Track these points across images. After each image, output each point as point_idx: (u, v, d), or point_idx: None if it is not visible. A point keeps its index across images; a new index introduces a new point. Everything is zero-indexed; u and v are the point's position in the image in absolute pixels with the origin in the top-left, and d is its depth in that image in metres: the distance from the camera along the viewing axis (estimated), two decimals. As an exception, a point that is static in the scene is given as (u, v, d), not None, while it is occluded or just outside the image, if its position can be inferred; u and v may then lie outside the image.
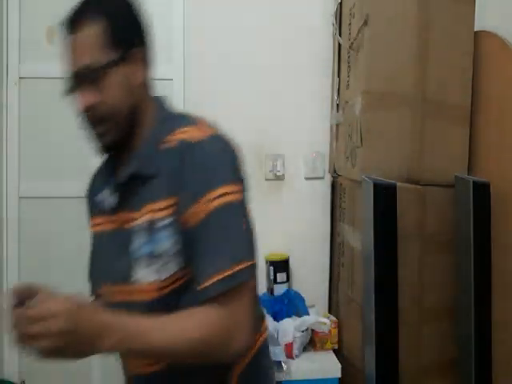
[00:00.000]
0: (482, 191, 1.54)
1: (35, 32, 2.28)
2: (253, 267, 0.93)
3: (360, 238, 1.69)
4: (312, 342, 1.96)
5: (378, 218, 1.50)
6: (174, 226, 0.94)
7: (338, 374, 1.84)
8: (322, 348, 1.94)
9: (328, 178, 2.19)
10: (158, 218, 0.95)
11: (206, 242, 0.91)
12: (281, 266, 2.10)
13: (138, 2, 1.05)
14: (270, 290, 2.09)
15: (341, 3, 2.02)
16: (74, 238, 2.31)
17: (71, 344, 0.80)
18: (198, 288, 0.90)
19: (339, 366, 1.86)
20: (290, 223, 2.19)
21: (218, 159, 0.96)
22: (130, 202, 0.99)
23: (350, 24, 1.86)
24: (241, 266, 0.90)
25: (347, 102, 1.87)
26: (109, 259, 1.04)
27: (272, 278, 2.08)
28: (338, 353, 1.95)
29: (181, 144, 0.96)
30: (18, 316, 0.79)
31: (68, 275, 2.31)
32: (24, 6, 2.27)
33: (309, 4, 2.19)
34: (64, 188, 2.30)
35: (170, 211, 0.94)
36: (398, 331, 1.54)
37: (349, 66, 1.87)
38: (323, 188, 2.20)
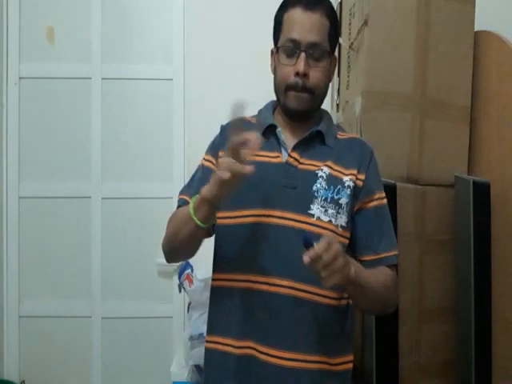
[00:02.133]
0: (482, 191, 1.54)
1: (35, 32, 2.28)
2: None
3: (360, 238, 1.69)
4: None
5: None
6: (353, 192, 1.19)
7: (338, 374, 1.84)
8: (322, 348, 1.94)
9: (328, 178, 2.19)
10: (342, 177, 1.19)
11: (384, 224, 1.23)
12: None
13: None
14: (270, 290, 2.09)
15: (341, 3, 2.02)
16: (73, 237, 2.31)
17: (346, 264, 0.99)
18: (380, 255, 1.20)
19: (339, 366, 1.85)
20: (290, 223, 2.19)
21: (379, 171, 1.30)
22: (305, 151, 1.21)
23: (350, 24, 1.86)
24: (397, 252, 1.24)
25: (347, 101, 1.87)
26: (276, 188, 1.18)
27: (272, 277, 2.08)
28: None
29: (359, 141, 1.30)
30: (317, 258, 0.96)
31: (68, 275, 2.32)
32: (24, 6, 2.27)
33: (309, 4, 2.19)
34: (64, 188, 2.30)
35: (352, 178, 1.19)
36: (398, 331, 1.54)
37: (349, 66, 1.87)
38: (323, 188, 2.20)
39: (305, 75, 1.17)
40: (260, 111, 1.33)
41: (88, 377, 2.31)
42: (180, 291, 2.13)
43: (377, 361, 1.51)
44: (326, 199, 1.17)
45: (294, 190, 1.17)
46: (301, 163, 1.20)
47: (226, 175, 1.01)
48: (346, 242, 1.20)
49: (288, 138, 1.24)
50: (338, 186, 1.18)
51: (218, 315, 1.22)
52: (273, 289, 1.15)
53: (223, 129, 1.33)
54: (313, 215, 1.16)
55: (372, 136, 1.66)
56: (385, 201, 1.25)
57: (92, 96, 2.30)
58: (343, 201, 1.18)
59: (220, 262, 1.23)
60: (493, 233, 1.54)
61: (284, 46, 1.20)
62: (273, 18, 2.19)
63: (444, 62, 1.67)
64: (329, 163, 1.20)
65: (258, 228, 1.16)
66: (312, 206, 1.16)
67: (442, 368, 1.69)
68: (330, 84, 2.14)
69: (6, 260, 2.28)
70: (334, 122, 2.06)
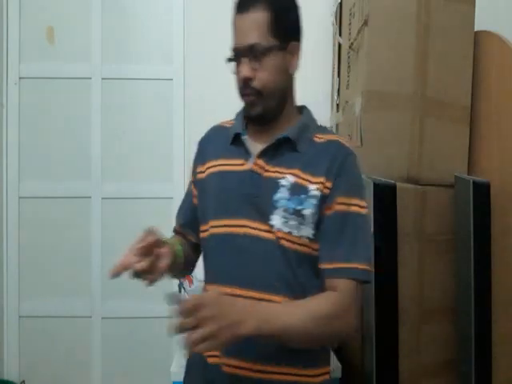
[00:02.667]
0: (482, 191, 1.54)
1: (35, 32, 2.28)
2: (372, 274, 1.12)
3: (360, 238, 1.69)
4: (312, 341, 1.96)
5: (378, 217, 1.50)
6: (319, 202, 1.10)
7: (338, 374, 1.84)
8: (322, 348, 1.94)
9: (328, 178, 2.19)
10: (307, 186, 1.11)
11: (348, 232, 1.10)
12: (281, 265, 2.10)
13: (298, 2, 1.20)
14: (270, 290, 2.09)
15: (341, 3, 2.02)
16: (73, 237, 2.31)
17: (221, 328, 0.92)
18: (332, 265, 1.09)
19: (339, 366, 1.85)
20: (290, 223, 2.19)
21: (361, 177, 1.18)
22: (272, 158, 1.15)
23: (350, 24, 1.86)
24: (369, 268, 1.10)
25: (347, 101, 1.87)
26: (239, 197, 1.15)
27: (272, 277, 2.08)
28: (338, 353, 1.95)
29: (334, 144, 1.17)
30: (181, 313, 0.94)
31: (68, 275, 2.32)
32: (24, 5, 2.27)
33: (309, 4, 2.19)
34: (64, 188, 2.30)
35: (320, 187, 1.11)
36: (398, 331, 1.54)
37: (349, 66, 1.87)
38: (323, 188, 2.20)
39: (249, 79, 1.13)
40: (236, 115, 1.29)
41: (88, 377, 2.31)
42: (180, 291, 2.13)
43: (377, 361, 1.51)
44: (287, 210, 1.11)
45: (257, 199, 1.13)
46: (266, 171, 1.15)
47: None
48: (314, 253, 1.12)
49: (256, 145, 1.19)
50: (302, 196, 1.11)
51: None
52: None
53: (198, 144, 1.35)
54: (273, 225, 1.11)
55: (372, 136, 1.66)
56: (352, 208, 1.11)
57: (92, 96, 2.29)
58: (307, 212, 1.10)
59: (204, 273, 1.25)
60: (493, 233, 1.54)
61: (230, 57, 1.18)
62: (273, 18, 2.19)
63: (444, 62, 1.67)
64: (296, 171, 1.13)
65: (225, 238, 1.15)
66: (272, 217, 1.11)
67: (442, 368, 1.69)
68: (330, 84, 2.16)
69: (5, 260, 2.28)
70: (335, 122, 2.07)
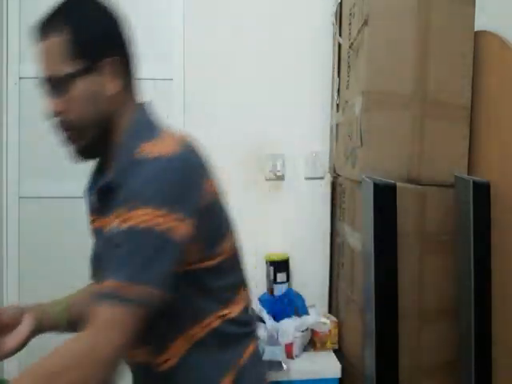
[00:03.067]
0: (482, 191, 1.53)
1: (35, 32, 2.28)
2: (149, 297, 0.86)
3: (360, 238, 1.69)
4: (312, 341, 1.96)
5: (377, 217, 1.50)
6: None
7: (338, 374, 1.84)
8: (322, 348, 1.94)
9: (328, 178, 2.19)
10: (109, 231, 0.95)
11: (118, 254, 0.88)
12: (281, 265, 2.10)
13: (114, 11, 1.07)
14: (270, 290, 2.09)
15: (341, 3, 2.02)
16: (73, 237, 2.31)
17: None
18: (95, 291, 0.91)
19: (339, 365, 1.86)
20: (290, 223, 2.19)
21: (156, 182, 0.90)
22: (102, 208, 1.01)
23: (350, 24, 1.86)
24: (135, 289, 0.84)
25: (347, 101, 1.87)
26: (94, 259, 1.07)
27: (272, 278, 2.08)
28: (338, 353, 1.95)
29: (139, 158, 0.94)
30: None
31: (68, 275, 2.32)
32: (24, 6, 2.27)
33: (309, 4, 2.19)
34: (64, 188, 2.30)
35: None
36: (397, 331, 1.54)
37: (349, 66, 1.87)
38: (323, 188, 2.20)
39: (60, 113, 1.00)
40: None
41: (88, 377, 2.31)
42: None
43: (377, 361, 1.51)
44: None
45: (97, 259, 1.04)
46: (103, 225, 1.00)
47: None
48: None
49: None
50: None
51: None
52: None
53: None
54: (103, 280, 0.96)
55: (372, 136, 1.66)
56: (130, 223, 0.88)
57: (92, 96, 2.29)
58: None
59: None
60: (493, 233, 1.54)
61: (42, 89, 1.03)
62: (272, 18, 2.20)
63: (444, 62, 1.67)
64: (116, 214, 0.93)
65: None
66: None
67: (442, 368, 1.69)
68: (330, 84, 2.16)
69: (5, 260, 2.28)
70: (335, 122, 2.07)
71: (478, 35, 1.71)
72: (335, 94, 2.05)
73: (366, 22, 1.65)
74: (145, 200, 0.88)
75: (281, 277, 2.08)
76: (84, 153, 1.01)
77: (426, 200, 1.66)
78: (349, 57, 1.86)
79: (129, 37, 1.08)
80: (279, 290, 2.07)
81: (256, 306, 2.05)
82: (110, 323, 0.84)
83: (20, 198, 2.29)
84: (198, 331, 0.99)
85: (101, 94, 0.98)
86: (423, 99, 1.67)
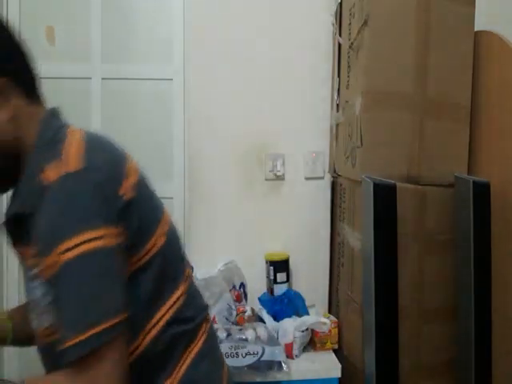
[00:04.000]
0: (482, 191, 1.53)
1: (35, 32, 2.28)
2: (114, 326, 0.82)
3: (360, 238, 1.69)
4: (312, 341, 1.96)
5: (377, 218, 1.50)
6: (41, 277, 0.86)
7: (338, 374, 1.84)
8: (322, 348, 1.94)
9: (328, 178, 2.19)
10: (29, 265, 0.89)
11: (61, 301, 0.82)
12: (281, 266, 2.10)
13: None
14: (270, 290, 2.09)
15: (341, 3, 2.02)
16: (73, 237, 2.31)
17: None
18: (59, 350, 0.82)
19: (339, 365, 1.85)
20: (290, 223, 2.19)
21: (71, 204, 0.83)
22: (20, 243, 0.93)
23: (350, 24, 1.86)
24: (96, 330, 0.80)
25: (347, 101, 1.87)
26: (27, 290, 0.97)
27: (272, 278, 2.08)
28: (337, 353, 1.95)
29: (43, 184, 0.85)
30: None
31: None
32: (24, 6, 2.27)
33: (309, 4, 2.19)
34: (64, 188, 2.30)
35: (36, 259, 0.85)
36: (398, 331, 1.54)
37: (349, 66, 1.87)
38: (323, 188, 2.20)
39: None
40: None
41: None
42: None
43: (377, 361, 1.51)
44: (30, 301, 0.94)
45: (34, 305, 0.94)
46: (27, 260, 0.92)
47: None
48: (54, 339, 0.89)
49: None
50: (29, 282, 0.91)
51: None
52: None
53: None
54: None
55: (372, 136, 1.66)
56: (57, 266, 0.81)
57: (92, 96, 2.29)
58: (36, 297, 0.90)
59: None
60: (493, 233, 1.54)
61: None
62: (273, 17, 2.20)
63: (444, 62, 1.67)
64: (30, 249, 0.87)
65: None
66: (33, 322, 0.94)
67: (442, 368, 1.69)
68: (330, 84, 2.16)
69: (6, 260, 2.28)
70: (335, 122, 2.07)
71: (478, 35, 1.71)
72: (335, 94, 2.05)
73: (365, 22, 1.65)
74: (62, 234, 0.81)
75: (281, 277, 2.08)
76: None
77: (426, 200, 1.66)
78: (349, 57, 1.86)
79: (17, 43, 0.96)
80: (279, 290, 2.07)
81: (256, 306, 2.06)
82: (96, 377, 0.82)
83: (20, 197, 2.29)
84: (139, 343, 0.92)
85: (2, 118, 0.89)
86: (423, 99, 1.67)
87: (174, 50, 2.30)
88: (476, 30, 1.71)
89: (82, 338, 0.79)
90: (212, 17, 2.22)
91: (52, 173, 0.84)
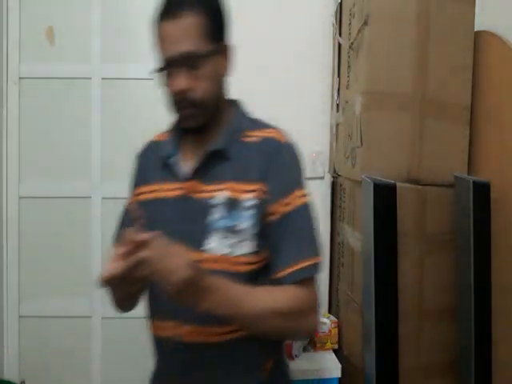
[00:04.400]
0: (482, 191, 1.54)
1: (35, 32, 2.28)
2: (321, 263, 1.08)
3: (360, 238, 1.69)
4: (312, 341, 1.96)
5: (377, 218, 1.50)
6: (258, 210, 1.04)
7: (338, 374, 1.84)
8: (322, 348, 1.95)
9: (328, 178, 2.19)
10: (242, 198, 1.05)
11: (293, 232, 1.05)
12: (281, 265, 2.10)
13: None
14: (270, 290, 2.09)
15: (341, 3, 2.02)
16: (73, 237, 2.31)
17: (188, 291, 0.91)
18: (284, 272, 1.03)
19: (339, 365, 1.86)
20: (290, 223, 2.19)
21: (299, 164, 1.11)
22: (205, 174, 1.08)
23: (350, 24, 1.86)
24: (318, 260, 1.06)
25: (347, 101, 1.87)
26: (172, 225, 1.07)
27: (272, 277, 2.08)
28: (337, 353, 1.95)
29: (266, 141, 1.10)
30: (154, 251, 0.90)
31: (68, 275, 2.32)
32: (24, 5, 2.27)
33: (309, 4, 2.19)
34: (64, 188, 2.30)
35: (255, 195, 1.04)
36: (397, 331, 1.54)
37: (349, 66, 1.87)
38: (323, 188, 2.20)
39: (184, 91, 1.05)
40: (170, 126, 1.23)
41: (88, 377, 2.31)
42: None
43: (377, 361, 1.51)
44: (222, 230, 1.05)
45: (190, 225, 1.07)
46: (200, 191, 1.08)
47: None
48: (256, 267, 1.07)
49: (187, 163, 1.12)
50: (237, 211, 1.05)
51: None
52: (163, 332, 1.11)
53: (135, 159, 1.28)
54: (206, 251, 1.05)
55: (372, 136, 1.66)
56: (296, 203, 1.06)
57: (92, 96, 2.29)
58: (243, 226, 1.04)
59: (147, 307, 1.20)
60: (493, 233, 1.54)
61: (160, 68, 1.08)
62: (272, 18, 2.20)
63: (444, 62, 1.67)
64: (229, 184, 1.06)
65: None
66: (206, 241, 1.05)
67: (442, 368, 1.69)
68: (330, 84, 2.16)
69: (5, 260, 2.28)
70: (335, 122, 2.07)
71: (478, 35, 1.71)
72: (335, 94, 2.05)
73: (365, 22, 1.65)
74: (296, 183, 1.08)
75: (281, 277, 2.08)
76: (197, 129, 1.10)
77: (426, 200, 1.66)
78: (349, 57, 1.86)
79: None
80: (279, 289, 2.07)
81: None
82: (315, 292, 1.07)
83: (20, 198, 2.29)
84: None
85: (221, 75, 1.11)
86: (423, 99, 1.67)
87: (173, 50, 2.30)
88: (476, 30, 1.71)
89: (312, 262, 1.05)
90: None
91: (278, 136, 1.12)
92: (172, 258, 0.91)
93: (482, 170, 1.68)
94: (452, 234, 1.66)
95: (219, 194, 1.06)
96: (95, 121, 2.30)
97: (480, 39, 1.71)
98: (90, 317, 2.31)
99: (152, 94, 2.33)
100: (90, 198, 2.30)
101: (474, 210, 1.52)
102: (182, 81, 1.04)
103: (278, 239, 1.05)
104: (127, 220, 1.20)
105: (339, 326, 1.98)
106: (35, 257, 2.30)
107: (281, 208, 1.05)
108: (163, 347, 1.14)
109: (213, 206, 1.06)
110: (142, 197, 1.17)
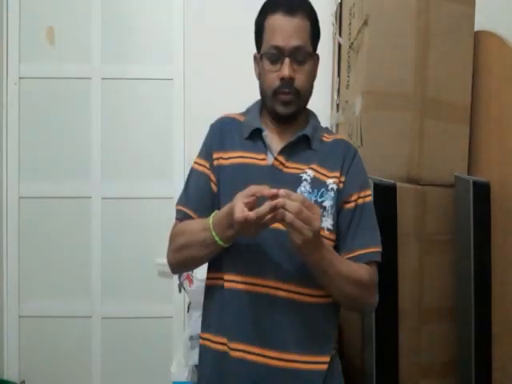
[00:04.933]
0: (482, 191, 1.54)
1: (35, 32, 2.28)
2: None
3: (360, 238, 1.69)
4: (312, 342, 1.96)
5: (377, 217, 1.49)
6: (336, 194, 1.20)
7: (338, 374, 1.83)
8: (322, 348, 1.94)
9: (328, 178, 2.19)
10: (326, 180, 1.20)
11: (366, 221, 1.22)
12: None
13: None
14: (270, 290, 2.09)
15: (341, 3, 2.02)
16: (73, 237, 2.31)
17: (311, 242, 1.04)
18: (359, 251, 1.20)
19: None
20: (290, 223, 2.18)
21: (365, 169, 1.29)
22: (291, 154, 1.23)
23: (350, 24, 1.86)
24: (381, 249, 1.24)
25: (347, 101, 1.87)
26: None
27: (272, 277, 2.08)
28: (338, 353, 1.95)
29: (343, 143, 1.29)
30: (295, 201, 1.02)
31: (68, 275, 2.32)
32: (24, 6, 2.27)
33: (309, 4, 2.19)
34: (64, 188, 2.30)
35: (336, 181, 1.21)
36: (397, 331, 1.54)
37: (349, 66, 1.87)
38: (323, 188, 2.20)
39: (291, 79, 1.19)
40: (248, 110, 1.34)
41: (88, 377, 2.31)
42: (180, 291, 2.13)
43: (377, 361, 1.51)
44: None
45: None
46: (286, 167, 1.21)
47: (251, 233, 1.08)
48: (332, 243, 1.20)
49: (274, 142, 1.25)
50: (322, 189, 1.19)
51: (212, 314, 1.24)
52: (265, 290, 1.17)
53: (212, 128, 1.34)
54: None
55: (372, 136, 1.66)
56: (366, 199, 1.24)
57: (92, 96, 2.30)
58: (327, 203, 1.19)
59: (220, 262, 1.23)
60: (493, 233, 1.54)
61: (268, 53, 1.20)
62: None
63: (444, 62, 1.67)
64: (313, 166, 1.21)
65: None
66: None
67: (442, 368, 1.69)
68: (330, 84, 2.16)
69: (5, 260, 2.28)
70: (335, 122, 2.07)
71: (478, 35, 1.71)
72: (335, 94, 2.05)
73: (365, 22, 1.65)
74: (368, 184, 1.29)
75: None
76: (288, 116, 1.23)
77: (426, 200, 1.66)
78: (349, 57, 1.86)
79: None
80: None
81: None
82: (376, 275, 1.23)
83: (20, 198, 2.30)
84: None
85: (313, 78, 1.26)
86: (423, 99, 1.67)
87: (173, 50, 2.30)
88: (476, 30, 1.71)
89: (379, 249, 1.23)
90: (212, 17, 2.22)
91: (349, 142, 1.32)
92: (310, 210, 1.03)
93: (482, 170, 1.68)
94: (452, 234, 1.66)
95: (307, 171, 1.21)
96: (95, 121, 2.30)
97: (480, 39, 1.70)
98: (89, 317, 2.31)
99: (152, 93, 2.35)
100: (90, 198, 2.30)
101: (474, 210, 1.52)
102: (289, 70, 1.18)
103: (353, 224, 1.21)
104: (201, 181, 1.29)
105: (339, 326, 1.97)
106: (35, 257, 2.30)
107: (356, 199, 1.22)
108: (249, 302, 1.19)
109: (301, 180, 1.19)
110: (226, 161, 1.25)
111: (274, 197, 1.03)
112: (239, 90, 2.20)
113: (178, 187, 2.29)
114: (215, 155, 1.27)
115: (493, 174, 1.60)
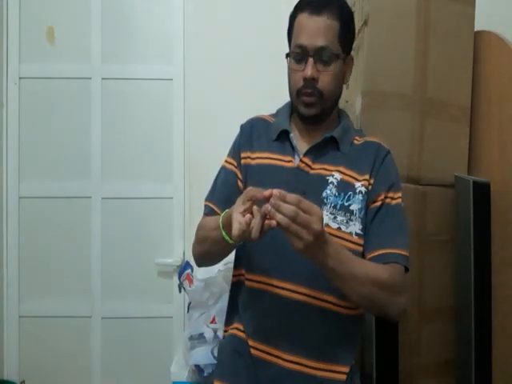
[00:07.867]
0: (481, 191, 1.54)
1: (35, 32, 2.28)
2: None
3: (360, 238, 1.69)
4: (312, 341, 1.96)
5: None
6: (365, 197, 1.18)
7: (338, 374, 1.83)
8: (322, 348, 1.94)
9: (328, 178, 2.19)
10: (354, 183, 1.18)
11: (394, 222, 1.18)
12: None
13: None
14: (270, 290, 2.09)
15: (341, 3, 2.02)
16: (73, 237, 2.31)
17: (314, 245, 0.98)
18: (382, 251, 1.15)
19: (339, 365, 1.85)
20: (290, 223, 2.18)
21: (398, 171, 1.27)
22: (318, 156, 1.21)
23: (349, 24, 1.85)
24: (408, 253, 1.19)
25: (347, 101, 1.87)
26: (288, 190, 1.09)
27: (272, 277, 2.08)
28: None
29: (374, 144, 1.25)
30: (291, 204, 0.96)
31: (68, 275, 2.32)
32: (24, 5, 2.27)
33: (309, 4, 2.19)
34: (64, 188, 2.30)
35: (365, 183, 1.18)
36: (397, 331, 1.54)
37: (349, 66, 1.87)
38: (323, 188, 2.20)
39: (313, 79, 1.17)
40: (278, 111, 1.34)
41: (88, 377, 2.31)
42: (180, 291, 2.13)
43: (377, 361, 1.51)
44: (335, 206, 1.16)
45: (304, 196, 1.09)
46: (312, 168, 1.20)
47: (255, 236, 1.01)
48: (361, 249, 1.18)
49: (301, 143, 1.25)
50: (349, 193, 1.17)
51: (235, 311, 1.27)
52: (285, 293, 1.16)
53: (242, 129, 1.35)
54: None
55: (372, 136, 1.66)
56: (395, 201, 1.21)
57: (92, 96, 2.30)
58: (354, 207, 1.17)
59: (244, 260, 1.24)
60: (493, 233, 1.54)
61: (293, 52, 1.21)
62: (272, 18, 2.20)
63: (444, 62, 1.67)
64: (341, 168, 1.20)
65: (272, 233, 1.08)
66: None
67: (442, 368, 1.69)
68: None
69: (5, 260, 2.29)
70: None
71: (478, 35, 1.71)
72: (335, 94, 2.04)
73: (365, 22, 1.65)
74: (399, 186, 1.24)
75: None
76: (312, 118, 1.22)
77: (426, 200, 1.66)
78: (349, 57, 1.86)
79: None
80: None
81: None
82: (404, 277, 1.17)
83: (20, 198, 2.30)
84: None
85: (342, 80, 1.25)
86: (423, 99, 1.67)
87: (173, 49, 2.30)
88: (476, 30, 1.71)
89: (405, 253, 1.17)
90: (212, 17, 2.22)
91: (383, 144, 1.27)
92: (308, 212, 0.97)
93: (482, 170, 1.68)
94: (452, 234, 1.66)
95: (334, 174, 1.19)
96: (95, 121, 2.30)
97: (480, 39, 1.70)
98: (89, 317, 2.31)
99: (152, 93, 2.35)
100: (90, 198, 2.30)
101: (474, 210, 1.52)
102: (314, 70, 1.17)
103: (378, 224, 1.18)
104: (228, 178, 1.29)
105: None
106: (35, 257, 2.30)
107: (383, 198, 1.19)
108: (268, 303, 1.19)
109: (328, 183, 1.18)
110: (253, 161, 1.25)
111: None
112: (239, 90, 2.21)
113: (177, 187, 2.29)
114: (243, 154, 1.28)
115: (493, 174, 1.60)
